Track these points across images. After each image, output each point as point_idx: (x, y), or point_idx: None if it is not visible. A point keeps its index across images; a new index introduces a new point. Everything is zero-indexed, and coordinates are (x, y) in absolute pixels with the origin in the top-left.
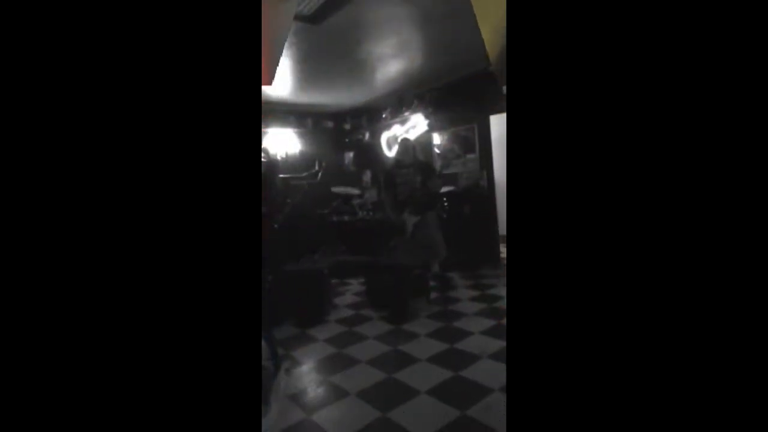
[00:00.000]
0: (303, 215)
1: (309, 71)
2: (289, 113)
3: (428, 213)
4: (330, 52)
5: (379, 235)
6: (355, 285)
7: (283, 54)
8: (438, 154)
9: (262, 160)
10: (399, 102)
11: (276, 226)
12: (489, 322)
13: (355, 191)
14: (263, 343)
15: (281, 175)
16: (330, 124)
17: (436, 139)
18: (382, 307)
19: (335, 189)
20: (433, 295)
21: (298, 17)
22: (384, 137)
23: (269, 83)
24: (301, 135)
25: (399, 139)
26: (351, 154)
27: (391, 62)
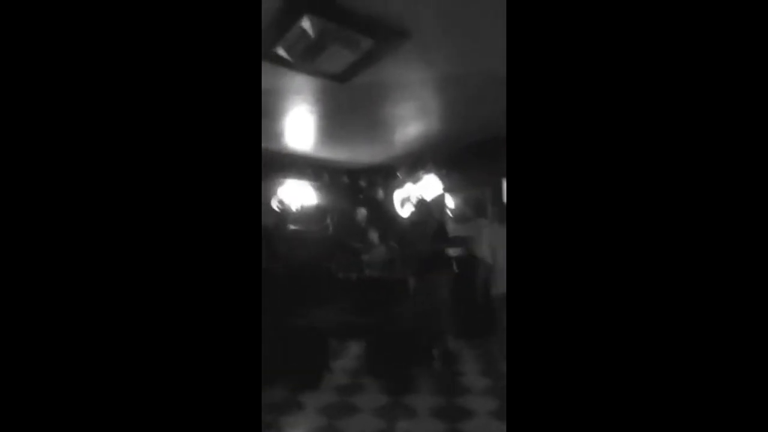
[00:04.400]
0: (309, 267)
1: (331, 127)
2: (307, 166)
3: (435, 276)
4: (353, 110)
5: (384, 295)
6: (355, 347)
7: (309, 110)
8: (450, 216)
9: (276, 209)
10: (415, 162)
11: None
12: (495, 403)
13: (362, 246)
14: None
15: (292, 227)
16: (346, 179)
17: (449, 201)
18: (381, 375)
19: (343, 242)
20: (437, 365)
21: (327, 75)
22: (397, 196)
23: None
24: (317, 188)
25: (416, 199)
26: (363, 210)
27: (410, 123)
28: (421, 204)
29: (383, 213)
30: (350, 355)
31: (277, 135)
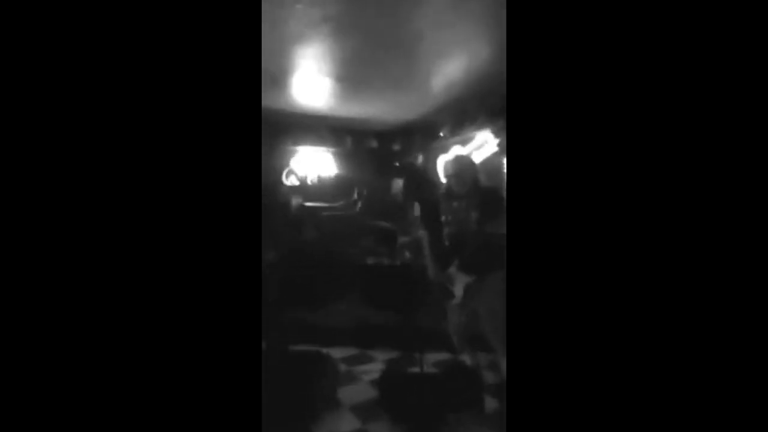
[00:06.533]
0: (330, 253)
1: (350, 77)
2: (323, 129)
3: (491, 273)
4: (377, 53)
5: (419, 292)
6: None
7: (320, 56)
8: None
9: (287, 183)
10: (461, 115)
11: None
12: None
13: (396, 228)
14: None
15: (309, 204)
16: (374, 143)
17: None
18: (402, 420)
19: (373, 223)
20: (490, 405)
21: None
22: (441, 161)
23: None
24: (339, 156)
25: (453, 157)
26: (400, 182)
27: (452, 63)
28: (459, 163)
29: (425, 183)
30: (365, 379)
31: (283, 90)
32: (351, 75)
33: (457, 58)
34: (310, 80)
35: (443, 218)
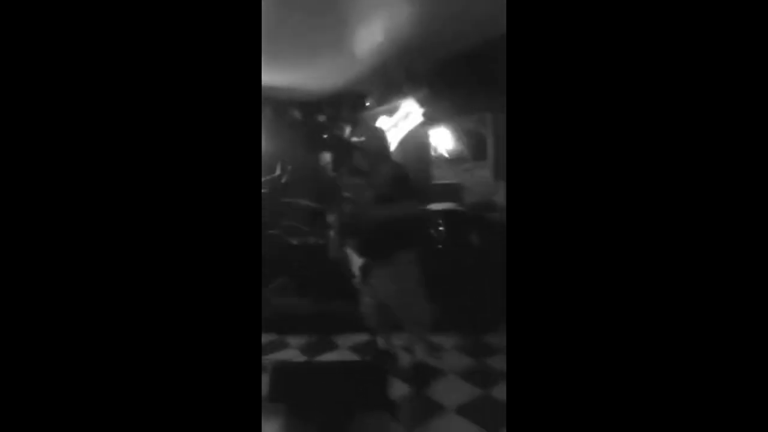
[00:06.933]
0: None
1: (271, 39)
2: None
3: (396, 254)
4: (298, 14)
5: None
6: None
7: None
8: (435, 157)
9: None
10: (388, 84)
11: None
12: None
13: (322, 206)
14: None
15: None
16: (297, 114)
17: (436, 136)
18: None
19: (287, 200)
20: (403, 401)
21: None
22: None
23: None
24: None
25: (362, 126)
26: (328, 156)
27: (377, 25)
28: (371, 135)
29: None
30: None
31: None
32: (273, 40)
33: (381, 20)
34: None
35: (345, 195)
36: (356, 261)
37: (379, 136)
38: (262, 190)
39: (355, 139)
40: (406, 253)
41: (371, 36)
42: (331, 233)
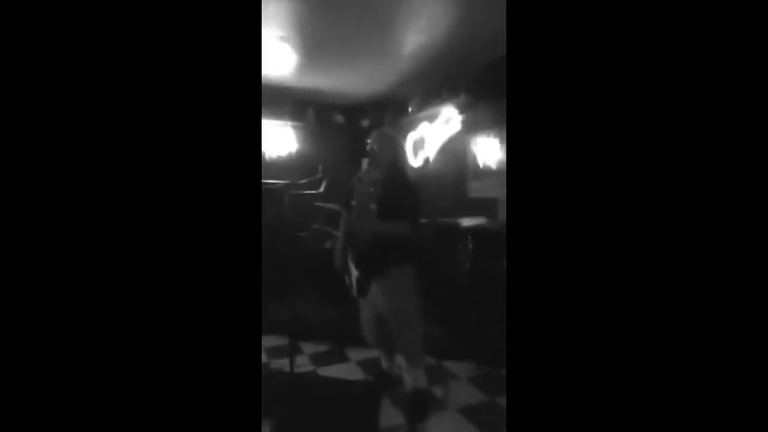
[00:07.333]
0: (278, 237)
1: (313, 46)
2: (284, 101)
3: (392, 270)
4: (342, 20)
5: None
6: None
7: (284, 22)
8: (474, 167)
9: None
10: (425, 90)
11: None
12: None
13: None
14: None
15: (266, 180)
16: (340, 118)
17: (478, 145)
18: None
19: (319, 203)
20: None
21: None
22: (410, 139)
23: None
24: (299, 131)
25: (376, 132)
26: (366, 162)
27: (420, 33)
28: (379, 140)
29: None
30: None
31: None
32: (317, 44)
33: (426, 28)
34: (271, 48)
35: (353, 203)
36: (353, 272)
37: (390, 144)
38: (293, 192)
39: (368, 146)
40: (399, 269)
41: (412, 40)
42: (336, 241)
